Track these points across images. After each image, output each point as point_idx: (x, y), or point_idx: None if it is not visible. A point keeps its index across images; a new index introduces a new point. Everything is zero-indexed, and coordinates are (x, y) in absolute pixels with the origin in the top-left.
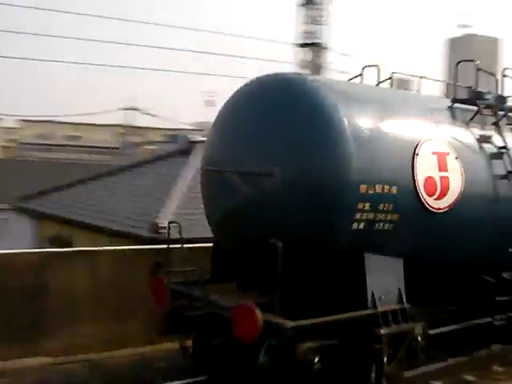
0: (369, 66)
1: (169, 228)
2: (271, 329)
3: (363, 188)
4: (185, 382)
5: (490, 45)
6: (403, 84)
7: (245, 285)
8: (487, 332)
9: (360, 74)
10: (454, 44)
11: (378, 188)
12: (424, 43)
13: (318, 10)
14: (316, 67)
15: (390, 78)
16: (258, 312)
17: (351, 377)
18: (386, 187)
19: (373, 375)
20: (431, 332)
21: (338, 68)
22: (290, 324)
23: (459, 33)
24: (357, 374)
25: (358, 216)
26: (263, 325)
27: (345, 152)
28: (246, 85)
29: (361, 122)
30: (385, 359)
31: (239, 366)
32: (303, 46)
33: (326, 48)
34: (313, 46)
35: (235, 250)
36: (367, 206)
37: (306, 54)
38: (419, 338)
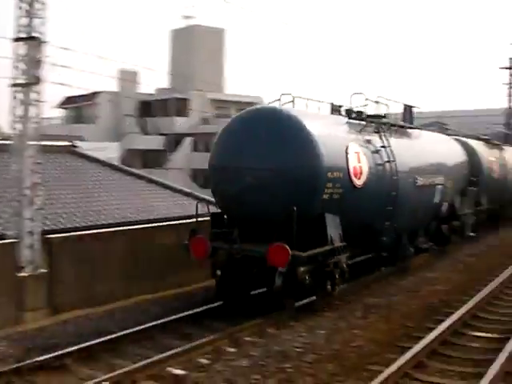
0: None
1: (197, 206)
2: (294, 258)
3: (329, 174)
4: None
5: (215, 36)
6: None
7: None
8: (379, 260)
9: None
10: (178, 35)
11: (335, 174)
12: (151, 34)
13: (35, 3)
14: (32, 62)
15: (279, 100)
16: (287, 248)
17: (319, 288)
18: (337, 173)
19: (329, 286)
20: (349, 262)
21: (58, 62)
22: (304, 254)
23: (183, 24)
24: (323, 286)
25: (325, 191)
26: (291, 255)
27: (319, 153)
28: (241, 114)
29: (322, 135)
30: (336, 276)
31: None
32: (19, 40)
33: (43, 42)
34: (29, 40)
35: (243, 218)
36: (330, 185)
37: (22, 48)
38: (345, 265)
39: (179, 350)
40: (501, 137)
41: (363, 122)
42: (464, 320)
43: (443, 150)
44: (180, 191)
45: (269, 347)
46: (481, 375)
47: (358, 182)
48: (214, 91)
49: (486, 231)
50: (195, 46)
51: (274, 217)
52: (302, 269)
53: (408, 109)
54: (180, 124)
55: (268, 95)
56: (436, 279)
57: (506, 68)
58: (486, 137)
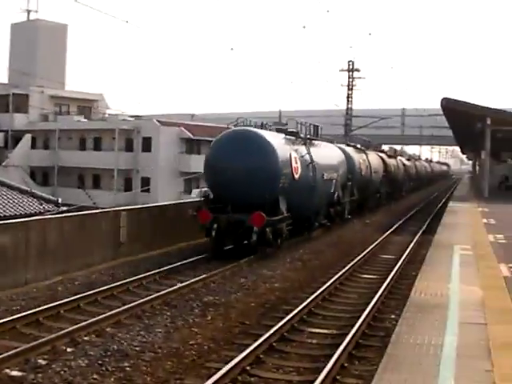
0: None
1: (201, 192)
2: (267, 221)
3: (283, 172)
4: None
5: (58, 31)
6: None
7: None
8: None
9: None
10: (18, 30)
11: (285, 171)
12: None
13: None
14: None
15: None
16: (264, 215)
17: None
18: (286, 171)
19: (278, 241)
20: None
21: None
22: (272, 219)
23: (24, 18)
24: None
25: (280, 182)
26: (264, 220)
27: (277, 160)
28: (228, 132)
29: (278, 147)
30: (283, 235)
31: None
32: None
33: None
34: None
35: (231, 199)
36: (283, 178)
37: None
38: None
39: (13, 351)
40: (341, 137)
41: (294, 138)
42: (301, 316)
43: (334, 155)
44: (17, 189)
45: (107, 346)
46: (318, 370)
47: (296, 177)
48: (56, 88)
49: (323, 230)
50: (37, 42)
51: (250, 198)
52: (268, 229)
53: (315, 127)
54: (19, 120)
55: (112, 92)
56: (273, 277)
57: (345, 70)
58: (355, 144)
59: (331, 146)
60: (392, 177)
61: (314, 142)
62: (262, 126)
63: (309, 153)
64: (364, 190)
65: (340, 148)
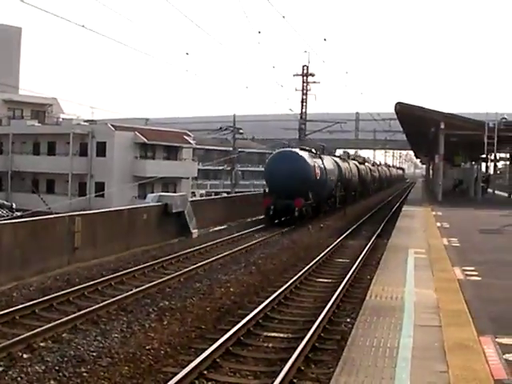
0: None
1: (264, 190)
2: (304, 203)
3: (311, 175)
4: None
5: (12, 34)
6: None
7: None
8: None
9: None
10: None
11: (311, 174)
12: None
13: None
14: None
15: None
16: (305, 201)
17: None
18: (312, 174)
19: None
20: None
21: None
22: (306, 203)
23: None
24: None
25: (309, 181)
26: (307, 204)
27: (308, 168)
28: (284, 149)
29: (309, 160)
30: (309, 213)
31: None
32: None
33: None
34: None
35: (279, 194)
36: (311, 179)
37: None
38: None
39: None
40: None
41: (313, 153)
42: (257, 320)
43: (332, 164)
44: None
45: (64, 352)
46: (275, 374)
47: (317, 178)
48: (10, 92)
49: (279, 235)
50: None
51: (293, 191)
52: (303, 209)
53: (323, 147)
54: None
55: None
56: (229, 281)
57: (300, 75)
58: (340, 155)
59: (330, 158)
60: (363, 179)
61: (322, 156)
62: (291, 146)
63: (322, 163)
64: (346, 188)
65: (333, 159)
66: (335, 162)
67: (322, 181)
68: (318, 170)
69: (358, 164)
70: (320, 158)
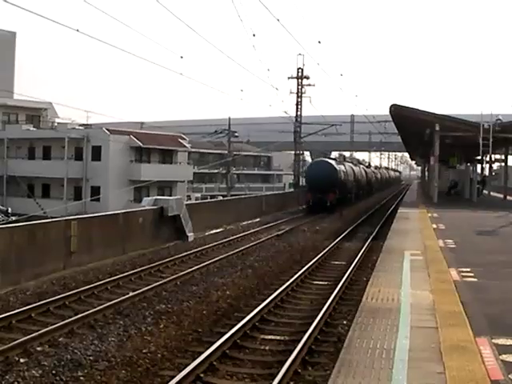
0: None
1: (307, 191)
2: (335, 197)
3: (339, 176)
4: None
5: (6, 39)
6: None
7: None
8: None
9: None
10: None
11: (338, 176)
12: None
13: None
14: None
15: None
16: (334, 195)
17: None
18: (339, 176)
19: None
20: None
21: None
22: (335, 197)
23: None
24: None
25: (337, 181)
26: (335, 197)
27: (336, 172)
28: (319, 159)
29: (337, 166)
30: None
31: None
32: None
33: None
34: None
35: (315, 189)
36: (339, 179)
37: None
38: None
39: None
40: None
41: (338, 161)
42: (253, 323)
43: (350, 168)
44: None
45: (61, 356)
46: (272, 376)
47: (342, 179)
48: (4, 97)
49: (274, 238)
50: None
51: (325, 188)
52: (333, 201)
53: (342, 155)
54: None
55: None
56: (225, 284)
57: (295, 78)
58: (352, 160)
59: (348, 164)
60: (369, 180)
61: (344, 162)
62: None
63: (345, 168)
64: (358, 188)
65: (350, 165)
66: (351, 167)
67: (344, 181)
68: (342, 174)
69: (365, 168)
70: (343, 164)
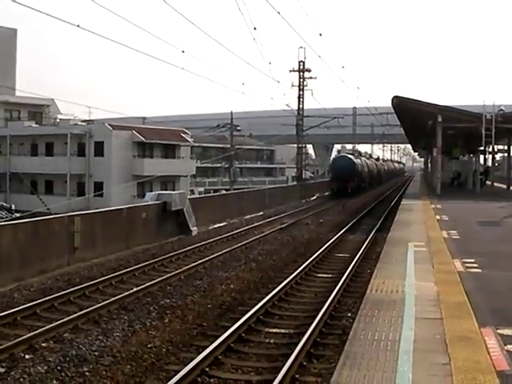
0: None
1: (330, 182)
2: (354, 184)
3: (357, 168)
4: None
5: (7, 36)
6: None
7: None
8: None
9: None
10: None
11: (357, 167)
12: None
13: None
14: None
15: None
16: (353, 183)
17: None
18: (357, 167)
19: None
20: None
21: None
22: (354, 185)
23: None
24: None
25: (356, 172)
26: (354, 185)
27: (355, 164)
28: (341, 154)
29: (356, 160)
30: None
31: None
32: None
33: None
34: None
35: (339, 178)
36: (356, 171)
37: None
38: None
39: None
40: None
41: (356, 155)
42: (258, 317)
43: (365, 161)
44: None
45: (66, 352)
46: (277, 369)
47: (359, 170)
48: (6, 93)
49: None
50: None
51: (347, 178)
52: (353, 188)
53: (358, 151)
54: None
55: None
56: (229, 278)
57: (296, 71)
58: (368, 154)
59: (364, 158)
60: (379, 171)
61: (360, 156)
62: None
63: (361, 161)
64: (371, 178)
65: (365, 159)
66: (365, 160)
67: (361, 172)
68: (359, 166)
69: (375, 161)
70: (360, 158)
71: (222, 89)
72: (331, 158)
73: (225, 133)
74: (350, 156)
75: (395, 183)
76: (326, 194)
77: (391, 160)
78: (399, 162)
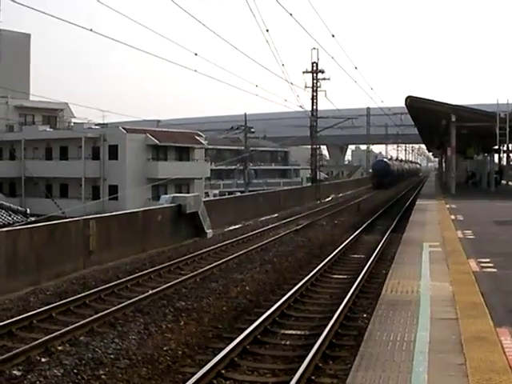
0: None
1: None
2: (388, 181)
3: (391, 169)
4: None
5: (21, 41)
6: None
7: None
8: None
9: None
10: None
11: (391, 168)
12: None
13: None
14: None
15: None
16: (388, 179)
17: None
18: (391, 168)
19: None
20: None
21: None
22: (389, 180)
23: None
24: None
25: (390, 172)
26: (388, 180)
27: (389, 166)
28: (379, 159)
29: (390, 162)
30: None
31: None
32: None
33: None
34: None
35: (378, 176)
36: (391, 171)
37: None
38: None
39: None
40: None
41: (390, 159)
42: (274, 318)
43: (395, 163)
44: None
45: (82, 355)
46: (293, 371)
47: (392, 170)
48: (21, 98)
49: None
50: (3, 51)
51: (384, 176)
52: (388, 183)
53: (391, 156)
54: None
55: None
56: (244, 280)
57: (309, 72)
58: (396, 158)
59: (394, 160)
60: (403, 171)
61: (391, 159)
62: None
63: (392, 163)
64: (398, 175)
65: (394, 161)
66: (394, 162)
67: (392, 171)
68: (391, 167)
69: (400, 162)
70: (392, 161)
71: (235, 91)
72: (372, 163)
73: (239, 135)
74: (385, 160)
75: (413, 182)
76: (340, 195)
77: (410, 161)
78: (416, 163)
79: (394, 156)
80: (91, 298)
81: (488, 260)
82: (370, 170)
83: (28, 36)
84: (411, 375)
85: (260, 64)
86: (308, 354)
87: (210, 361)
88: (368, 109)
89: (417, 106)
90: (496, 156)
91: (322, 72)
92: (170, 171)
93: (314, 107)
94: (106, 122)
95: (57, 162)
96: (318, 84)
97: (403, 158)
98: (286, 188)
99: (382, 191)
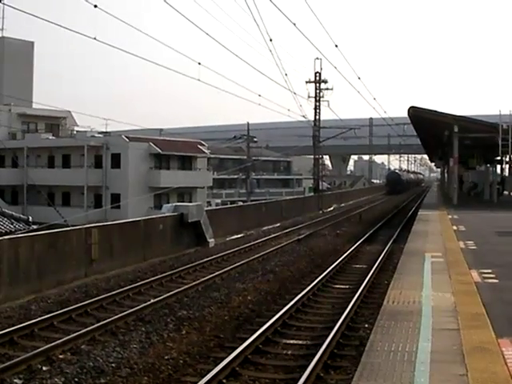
0: None
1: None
2: (399, 189)
3: (402, 178)
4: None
5: (24, 48)
6: None
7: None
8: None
9: None
10: None
11: (402, 179)
12: None
13: None
14: None
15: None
16: (399, 187)
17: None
18: (402, 178)
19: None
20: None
21: None
22: (400, 188)
23: None
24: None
25: (401, 181)
26: (399, 188)
27: (401, 178)
28: (392, 170)
29: (401, 173)
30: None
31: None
32: None
33: None
34: None
35: (391, 184)
36: (403, 179)
37: None
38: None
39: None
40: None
41: (401, 170)
42: (275, 328)
43: (404, 173)
44: None
45: (83, 364)
46: (294, 381)
47: (402, 179)
48: (24, 106)
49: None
50: (3, 60)
51: (396, 185)
52: (399, 190)
53: (401, 168)
54: None
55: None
56: (246, 290)
57: (312, 82)
58: (406, 169)
59: (403, 172)
60: (410, 180)
61: (401, 171)
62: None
63: (402, 174)
64: (406, 184)
65: (404, 172)
66: (404, 173)
67: (403, 180)
68: (402, 177)
69: (408, 173)
70: (402, 172)
71: (238, 100)
72: (386, 174)
73: (241, 144)
74: (397, 171)
75: (416, 192)
76: (342, 205)
77: (415, 172)
78: (420, 173)
79: (397, 167)
80: (93, 306)
81: (490, 271)
82: (384, 180)
83: (31, 44)
84: None
85: (263, 73)
86: (309, 363)
87: (211, 370)
88: (371, 119)
89: (419, 117)
90: (498, 167)
91: (325, 82)
92: (172, 180)
93: (317, 117)
94: (108, 130)
95: (59, 170)
96: (321, 94)
97: (410, 169)
98: (288, 198)
99: (387, 199)
